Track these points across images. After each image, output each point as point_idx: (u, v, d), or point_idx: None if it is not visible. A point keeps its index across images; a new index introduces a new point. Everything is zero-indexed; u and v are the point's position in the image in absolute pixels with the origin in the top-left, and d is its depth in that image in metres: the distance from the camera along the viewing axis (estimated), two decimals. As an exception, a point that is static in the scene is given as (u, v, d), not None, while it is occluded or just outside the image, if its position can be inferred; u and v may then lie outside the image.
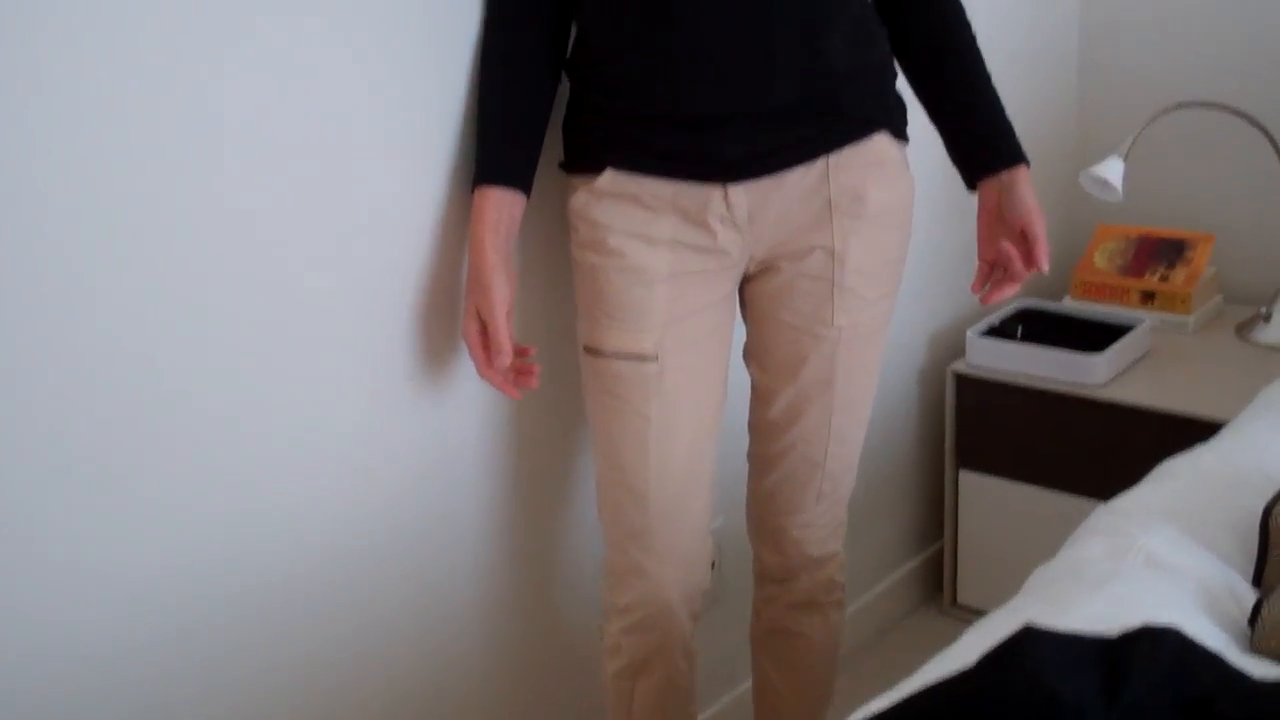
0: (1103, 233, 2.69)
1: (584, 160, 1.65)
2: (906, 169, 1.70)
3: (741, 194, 1.60)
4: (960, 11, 1.73)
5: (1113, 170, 2.29)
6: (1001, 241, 1.69)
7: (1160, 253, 2.63)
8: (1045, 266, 1.67)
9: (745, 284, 1.71)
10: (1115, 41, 2.77)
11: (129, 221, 1.34)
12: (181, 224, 1.38)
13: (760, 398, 1.78)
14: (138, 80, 1.32)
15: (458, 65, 1.63)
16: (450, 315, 1.67)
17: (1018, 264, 1.67)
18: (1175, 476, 1.71)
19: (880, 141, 1.66)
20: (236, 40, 1.39)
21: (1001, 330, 2.49)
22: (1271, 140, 2.42)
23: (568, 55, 1.66)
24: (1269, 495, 1.56)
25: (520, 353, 1.62)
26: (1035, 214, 1.68)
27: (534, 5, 1.62)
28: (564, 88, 1.68)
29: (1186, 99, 2.47)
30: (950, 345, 2.58)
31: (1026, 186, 1.68)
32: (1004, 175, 1.69)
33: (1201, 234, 2.62)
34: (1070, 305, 2.61)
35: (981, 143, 1.72)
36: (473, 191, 1.60)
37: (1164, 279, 2.60)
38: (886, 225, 1.68)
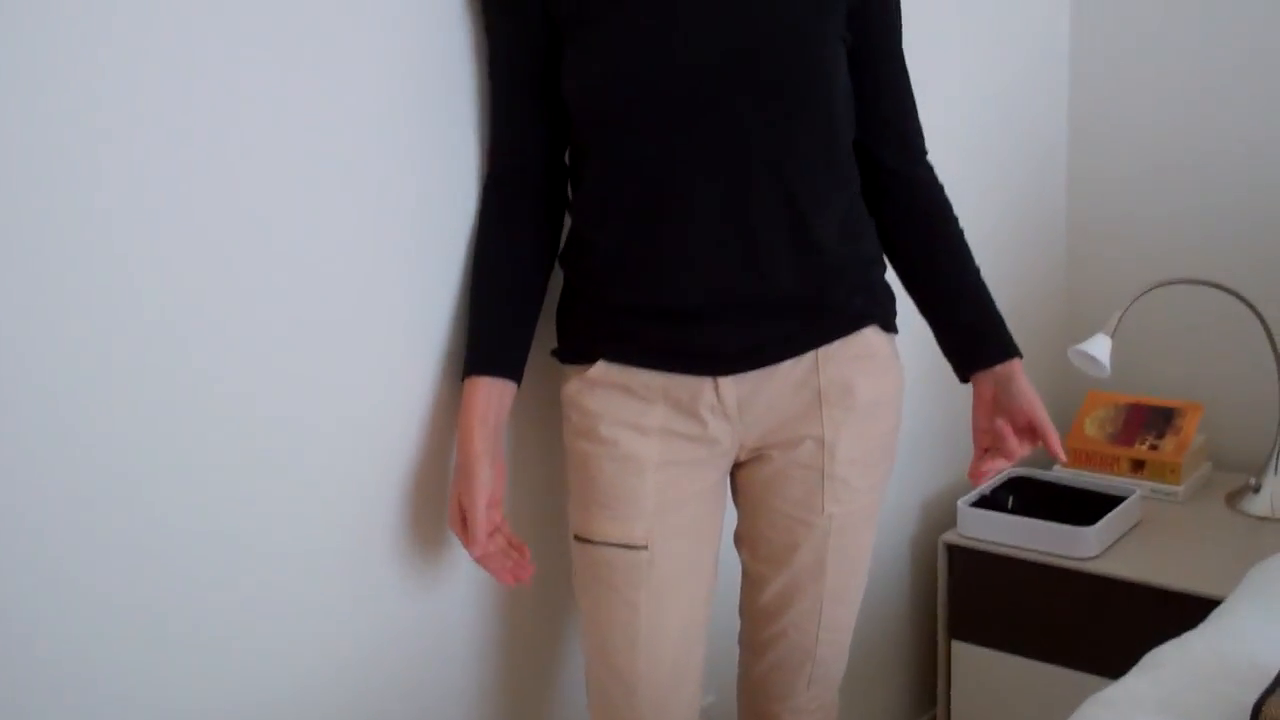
0: (1093, 400, 2.71)
1: (577, 350, 1.68)
2: (896, 360, 1.73)
3: (732, 385, 1.63)
4: (946, 206, 1.76)
5: (1100, 347, 2.33)
6: (996, 420, 1.70)
7: (1150, 421, 2.65)
8: (1064, 457, 1.70)
9: (737, 470, 1.73)
10: (1101, 220, 2.83)
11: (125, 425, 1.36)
12: (174, 421, 1.41)
13: (751, 583, 1.79)
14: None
15: (452, 255, 1.67)
16: (441, 499, 1.69)
17: (1012, 442, 1.69)
18: (1164, 665, 1.71)
19: (869, 335, 1.68)
20: (230, 262, 1.43)
21: (993, 500, 2.50)
22: (1256, 312, 2.46)
23: (561, 247, 1.70)
24: (1259, 689, 1.56)
25: (517, 548, 1.63)
26: (1037, 406, 1.70)
27: (528, 201, 1.66)
28: (558, 275, 1.72)
29: (1171, 276, 2.52)
30: (942, 514, 2.60)
31: (1023, 379, 1.70)
32: (998, 369, 1.71)
33: (1190, 403, 2.64)
34: (1061, 473, 2.63)
35: (973, 337, 1.74)
36: (463, 380, 1.63)
37: (1154, 448, 2.62)
38: (876, 416, 1.70)
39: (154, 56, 1.33)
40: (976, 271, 1.75)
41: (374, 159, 1.56)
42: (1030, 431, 1.70)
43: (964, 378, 1.75)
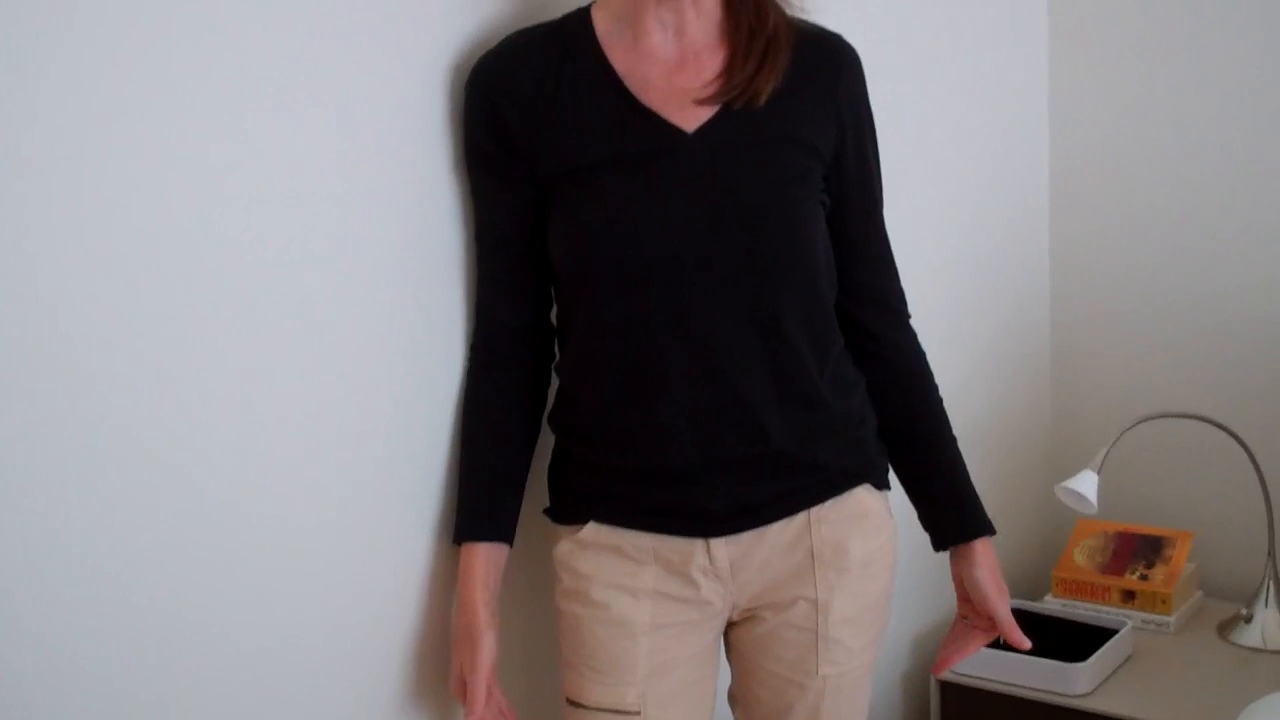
0: (1082, 529, 2.71)
1: (568, 511, 1.67)
2: (889, 517, 1.73)
3: (724, 547, 1.62)
4: (926, 374, 1.77)
5: (1086, 484, 2.33)
6: (966, 605, 1.76)
7: (1139, 550, 2.65)
8: (1026, 644, 1.74)
9: (729, 629, 1.72)
10: (1086, 354, 2.85)
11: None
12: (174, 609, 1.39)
13: (746, 742, 1.77)
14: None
15: (441, 418, 1.67)
16: (434, 663, 1.67)
17: (980, 631, 1.76)
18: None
19: (861, 494, 1.68)
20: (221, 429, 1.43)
21: (985, 634, 2.49)
22: (1242, 444, 2.47)
23: (550, 407, 1.71)
24: None
25: (507, 716, 1.61)
26: (992, 599, 1.73)
27: (516, 362, 1.67)
28: (549, 432, 1.72)
29: (1156, 407, 2.53)
30: (934, 651, 2.57)
31: (983, 568, 1.73)
32: (965, 549, 1.75)
33: (1179, 531, 2.64)
34: (1052, 605, 2.62)
35: (947, 511, 1.77)
36: (456, 543, 1.62)
37: (1144, 578, 2.61)
38: (870, 576, 1.69)
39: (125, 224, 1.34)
40: (953, 443, 1.77)
41: (359, 321, 1.56)
42: (989, 621, 1.74)
43: (937, 548, 1.79)
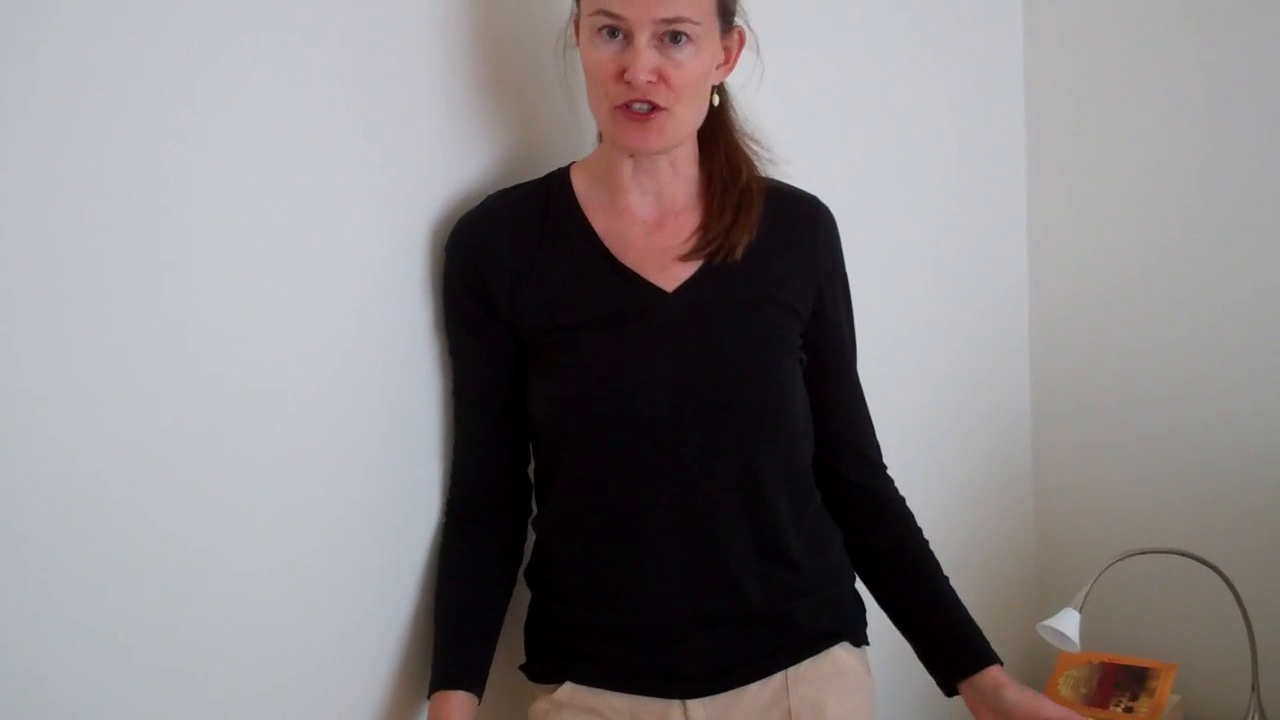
0: (1066, 660, 2.70)
1: (544, 669, 1.67)
2: (867, 675, 1.72)
3: (701, 708, 1.61)
4: (909, 517, 1.76)
5: (1068, 622, 2.32)
6: None
7: (1124, 682, 2.63)
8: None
9: (706, 788, 1.71)
10: (1069, 487, 2.85)
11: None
12: None
13: None
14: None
15: (416, 572, 1.67)
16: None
17: None
18: None
19: (838, 653, 1.68)
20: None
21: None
22: (1224, 577, 2.47)
23: (527, 562, 1.71)
24: None
25: None
26: (1041, 703, 1.63)
27: (492, 518, 1.67)
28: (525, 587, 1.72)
29: (1139, 543, 2.52)
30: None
31: (1013, 686, 1.64)
32: (980, 679, 1.66)
33: (1164, 663, 2.63)
34: (1037, 739, 2.59)
35: (954, 645, 1.70)
36: (429, 695, 1.61)
37: (1129, 710, 2.59)
38: (848, 733, 1.68)
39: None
40: (945, 580, 1.75)
41: (335, 480, 1.57)
42: None
43: (949, 691, 1.71)
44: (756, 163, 1.68)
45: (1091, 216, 2.76)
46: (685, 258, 1.61)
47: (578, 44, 1.60)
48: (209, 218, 1.40)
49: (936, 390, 2.57)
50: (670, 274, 1.61)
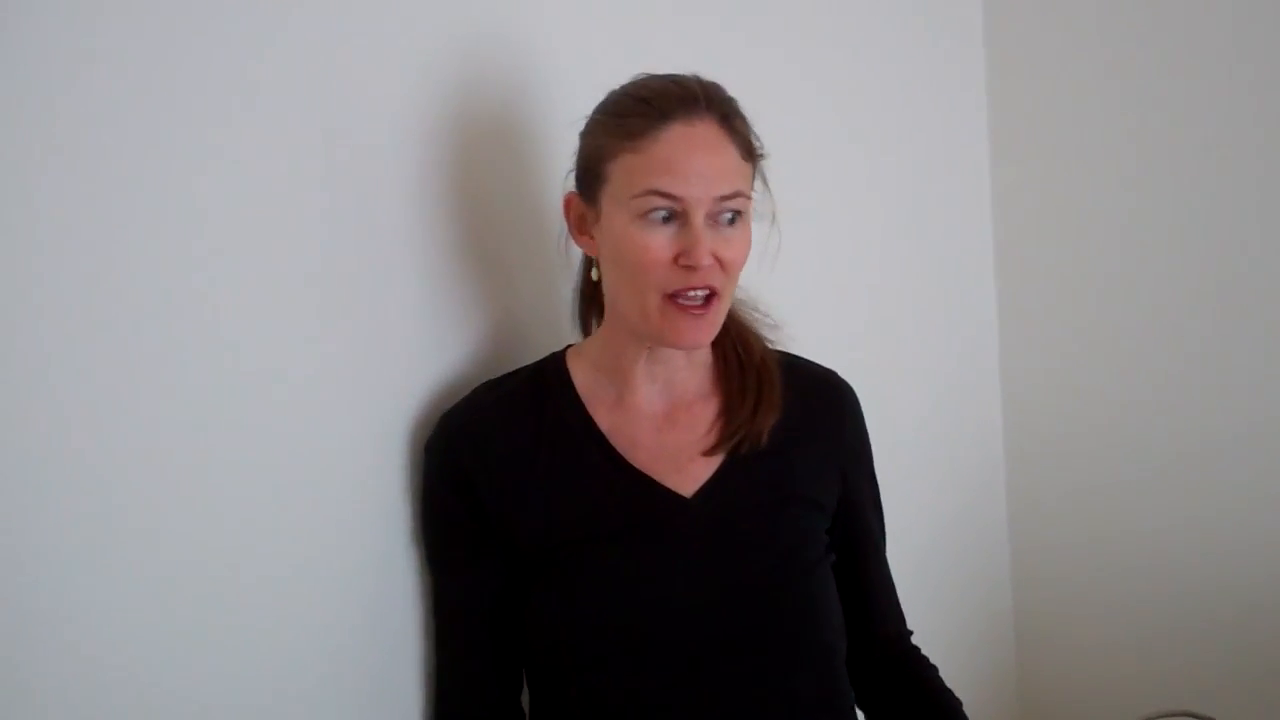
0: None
1: None
2: None
3: None
4: (944, 687, 1.59)
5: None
6: None
7: None
8: None
9: None
10: (1054, 668, 2.71)
11: None
12: None
13: None
14: None
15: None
16: None
17: None
18: None
19: None
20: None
21: None
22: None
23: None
24: None
25: None
26: None
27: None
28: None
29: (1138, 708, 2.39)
30: None
31: None
32: None
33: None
34: None
35: None
36: None
37: None
38: None
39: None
40: None
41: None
42: None
43: None
44: (764, 333, 1.53)
45: (1066, 361, 2.64)
46: (709, 452, 1.45)
47: (583, 231, 1.43)
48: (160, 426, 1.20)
49: (915, 544, 2.42)
50: (686, 475, 1.44)
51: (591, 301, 1.54)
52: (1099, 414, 2.60)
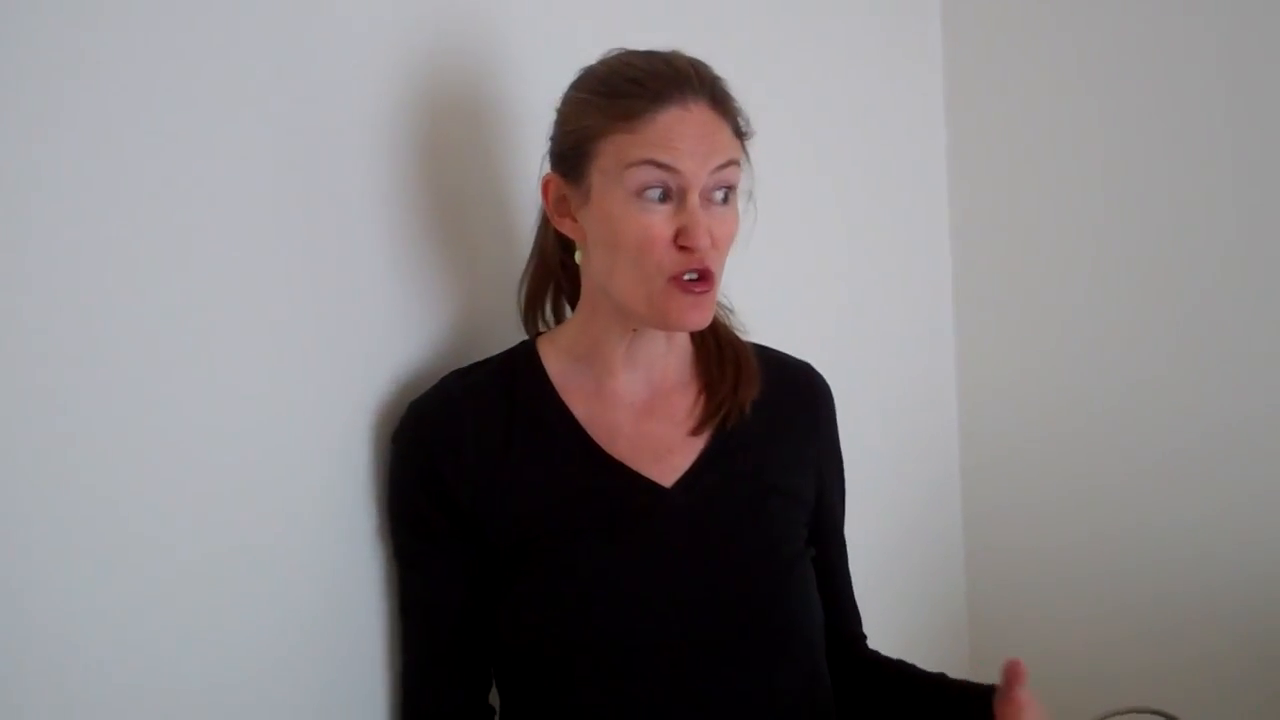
0: None
1: None
2: None
3: None
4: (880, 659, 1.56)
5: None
6: None
7: None
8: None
9: None
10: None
11: None
12: None
13: None
14: None
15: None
16: None
17: None
18: None
19: None
20: None
21: None
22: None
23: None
24: None
25: None
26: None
27: None
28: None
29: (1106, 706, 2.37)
30: None
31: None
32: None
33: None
34: None
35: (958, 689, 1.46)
36: None
37: None
38: None
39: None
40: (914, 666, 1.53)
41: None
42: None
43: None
44: (726, 316, 1.51)
45: (1021, 370, 2.63)
46: (695, 431, 1.42)
47: (564, 214, 1.38)
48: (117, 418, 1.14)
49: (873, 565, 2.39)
50: (666, 465, 1.40)
51: (559, 287, 1.50)
52: (1054, 421, 2.61)
